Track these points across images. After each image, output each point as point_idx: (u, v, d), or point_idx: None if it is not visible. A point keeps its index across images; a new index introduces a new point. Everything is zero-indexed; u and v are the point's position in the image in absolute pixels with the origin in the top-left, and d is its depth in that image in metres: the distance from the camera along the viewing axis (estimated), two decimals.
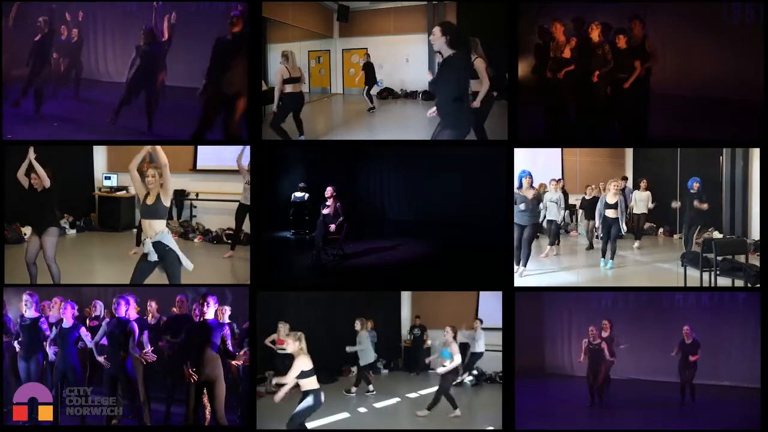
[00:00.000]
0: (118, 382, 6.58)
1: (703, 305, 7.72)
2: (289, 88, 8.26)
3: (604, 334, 7.49)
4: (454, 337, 7.55)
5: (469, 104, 6.64)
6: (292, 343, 5.71)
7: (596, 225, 8.55)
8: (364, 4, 11.49)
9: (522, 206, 7.82)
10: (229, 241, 8.91)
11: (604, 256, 8.34)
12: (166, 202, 6.21)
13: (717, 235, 8.46)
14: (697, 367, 7.52)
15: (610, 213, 8.23)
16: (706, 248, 7.43)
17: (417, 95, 11.66)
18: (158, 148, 6.14)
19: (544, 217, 8.83)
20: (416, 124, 9.95)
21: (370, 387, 8.42)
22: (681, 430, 7.00)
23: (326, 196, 8.75)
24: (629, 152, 9.57)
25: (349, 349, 8.33)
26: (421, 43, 11.36)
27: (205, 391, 6.29)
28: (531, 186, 7.99)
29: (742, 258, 7.43)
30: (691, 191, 8.21)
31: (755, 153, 7.38)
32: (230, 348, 6.61)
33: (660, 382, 8.01)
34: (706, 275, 7.41)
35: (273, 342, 8.61)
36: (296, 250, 9.19)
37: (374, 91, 10.68)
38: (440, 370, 7.30)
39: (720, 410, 7.33)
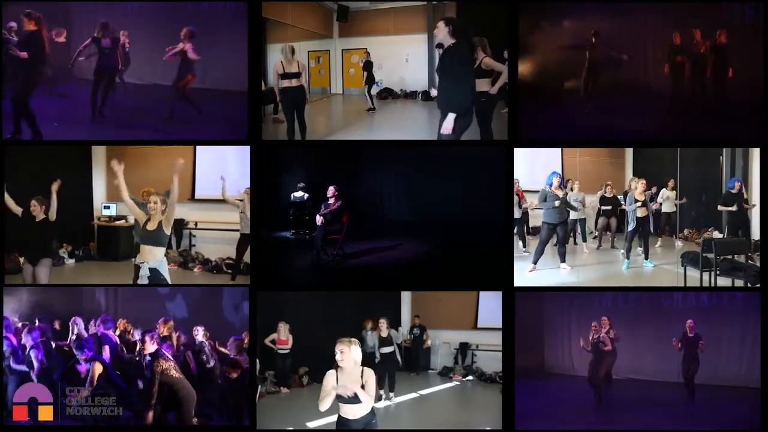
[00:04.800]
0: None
1: (703, 305, 7.72)
2: (285, 83, 8.25)
3: (604, 330, 7.57)
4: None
5: (488, 90, 7.07)
6: (348, 353, 4.84)
7: (630, 222, 8.48)
8: (363, 4, 11.46)
9: (556, 203, 8.08)
10: (230, 271, 8.84)
11: (627, 256, 8.30)
12: (167, 229, 6.33)
13: (717, 235, 8.45)
14: (699, 362, 7.55)
15: (641, 212, 8.26)
16: (706, 248, 7.44)
17: (417, 95, 11.63)
18: (176, 182, 6.25)
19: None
20: (416, 124, 9.93)
21: (381, 392, 8.40)
22: (681, 430, 7.00)
23: (329, 195, 8.76)
24: (629, 152, 9.55)
25: (384, 351, 8.38)
26: (421, 43, 11.33)
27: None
28: (560, 186, 8.25)
29: (742, 258, 7.43)
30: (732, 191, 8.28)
31: (755, 153, 7.38)
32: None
33: (660, 383, 8.02)
34: (706, 275, 7.41)
35: (273, 342, 8.63)
36: (296, 250, 9.18)
37: (374, 90, 10.66)
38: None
39: (720, 410, 7.32)
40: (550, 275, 7.95)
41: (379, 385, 8.35)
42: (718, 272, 7.37)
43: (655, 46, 7.74)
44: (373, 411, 4.98)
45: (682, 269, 7.69)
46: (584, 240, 9.26)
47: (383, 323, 8.37)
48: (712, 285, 7.39)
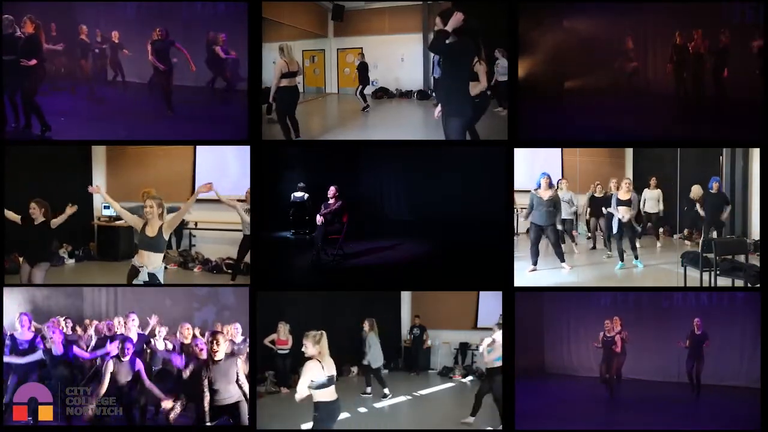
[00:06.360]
0: None
1: (703, 305, 7.73)
2: (285, 82, 8.26)
3: (617, 329, 7.71)
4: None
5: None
6: (311, 347, 5.35)
7: (613, 222, 8.50)
8: (359, 4, 11.44)
9: (540, 207, 8.12)
10: (230, 271, 8.82)
11: (622, 258, 8.29)
12: (167, 236, 6.38)
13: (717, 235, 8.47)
14: (704, 361, 7.65)
15: (624, 211, 8.29)
16: (706, 248, 7.45)
17: (412, 95, 11.64)
18: (190, 204, 6.38)
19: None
20: (412, 124, 9.94)
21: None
22: (681, 430, 7.01)
23: (329, 195, 8.76)
24: (629, 152, 9.55)
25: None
26: (417, 43, 11.33)
27: None
28: (549, 186, 8.24)
29: (742, 258, 7.44)
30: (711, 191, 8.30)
31: (755, 153, 7.41)
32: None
33: (660, 383, 8.03)
34: (706, 275, 7.42)
35: (273, 342, 8.62)
36: (296, 250, 9.17)
37: (368, 90, 10.66)
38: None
39: (720, 410, 7.34)
40: (550, 275, 7.96)
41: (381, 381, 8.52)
42: (718, 272, 7.38)
43: (656, 46, 7.75)
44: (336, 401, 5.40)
45: (682, 269, 7.70)
46: (572, 240, 9.23)
47: (365, 324, 8.39)
48: (712, 285, 7.40)
